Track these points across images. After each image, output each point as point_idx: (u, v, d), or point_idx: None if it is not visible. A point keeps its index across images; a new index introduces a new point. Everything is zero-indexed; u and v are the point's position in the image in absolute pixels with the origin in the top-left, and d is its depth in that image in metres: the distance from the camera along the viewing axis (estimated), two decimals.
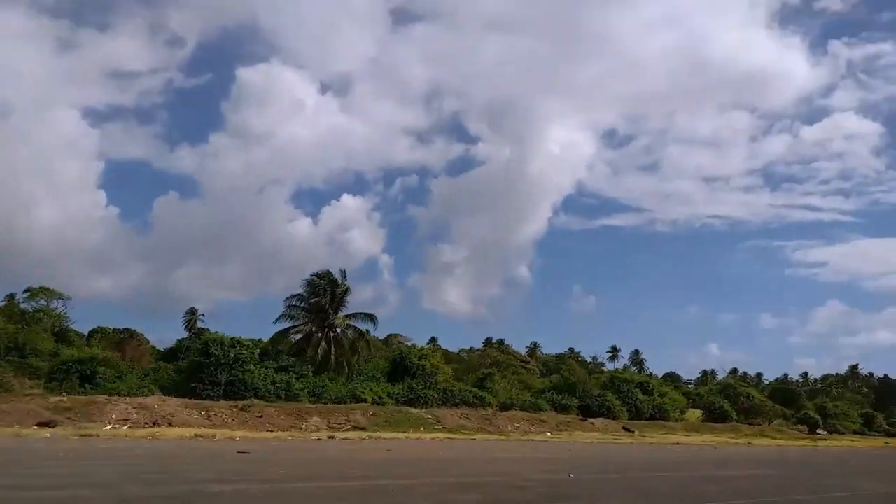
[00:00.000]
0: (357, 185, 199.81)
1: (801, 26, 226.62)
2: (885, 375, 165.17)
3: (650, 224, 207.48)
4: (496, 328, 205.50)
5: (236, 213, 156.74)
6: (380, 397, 42.39)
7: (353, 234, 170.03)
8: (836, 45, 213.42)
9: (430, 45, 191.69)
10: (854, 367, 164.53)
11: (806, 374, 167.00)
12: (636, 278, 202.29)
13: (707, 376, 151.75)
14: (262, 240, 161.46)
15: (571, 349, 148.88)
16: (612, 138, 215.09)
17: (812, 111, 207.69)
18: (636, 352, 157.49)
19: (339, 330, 48.07)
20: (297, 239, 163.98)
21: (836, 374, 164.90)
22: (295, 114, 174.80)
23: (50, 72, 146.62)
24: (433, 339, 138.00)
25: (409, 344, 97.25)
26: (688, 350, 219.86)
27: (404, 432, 32.25)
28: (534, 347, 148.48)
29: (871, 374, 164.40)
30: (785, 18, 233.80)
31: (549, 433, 38.02)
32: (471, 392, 47.87)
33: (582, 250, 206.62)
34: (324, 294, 47.09)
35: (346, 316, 48.72)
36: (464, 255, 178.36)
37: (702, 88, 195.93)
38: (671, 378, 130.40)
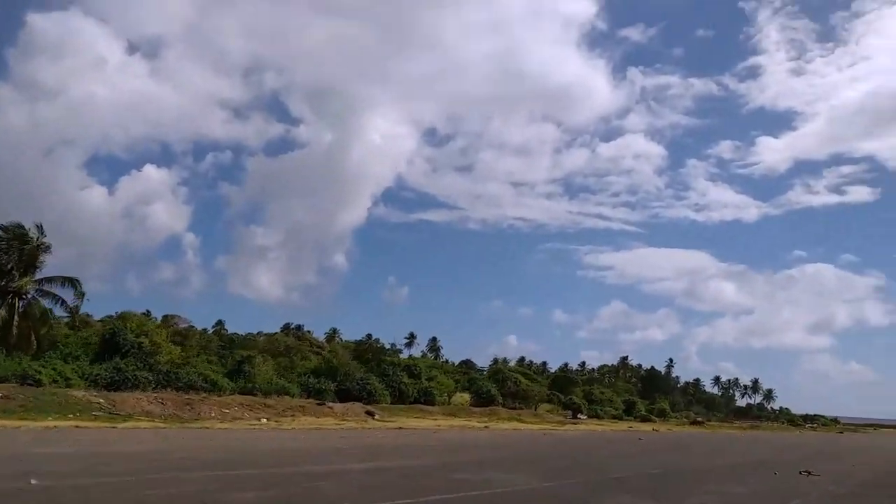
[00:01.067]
0: (163, 156, 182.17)
1: (606, 50, 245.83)
2: (652, 367, 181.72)
3: (463, 221, 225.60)
4: (307, 315, 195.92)
5: (18, 173, 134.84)
6: (67, 378, 34.34)
7: (154, 208, 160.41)
8: (633, 72, 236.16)
9: (253, 17, 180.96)
10: (624, 359, 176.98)
11: (583, 363, 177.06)
12: (448, 272, 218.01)
13: (498, 364, 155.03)
14: (46, 207, 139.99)
15: (369, 335, 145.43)
16: (432, 136, 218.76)
17: (609, 130, 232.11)
18: (434, 339, 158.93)
19: (28, 296, 38.75)
20: (88, 209, 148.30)
21: (610, 365, 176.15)
22: (94, 71, 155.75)
23: None
24: (220, 322, 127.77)
25: (186, 326, 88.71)
26: (490, 340, 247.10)
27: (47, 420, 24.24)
28: (333, 333, 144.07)
29: (639, 366, 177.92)
30: (593, 41, 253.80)
31: (265, 420, 32.53)
32: (200, 374, 41.25)
33: (398, 242, 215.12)
34: (7, 251, 37.55)
35: (38, 280, 39.37)
36: (278, 239, 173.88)
37: (517, 97, 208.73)
38: (466, 365, 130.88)
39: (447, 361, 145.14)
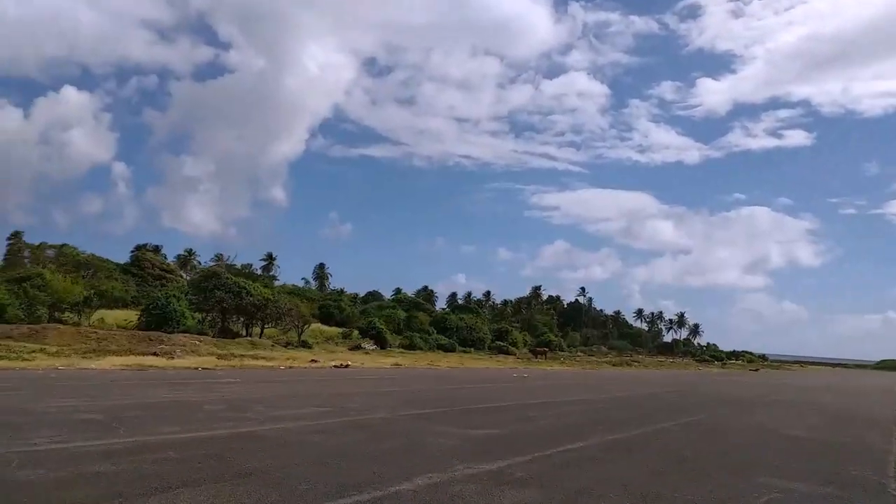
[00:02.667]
0: (83, 79, 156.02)
1: None
2: (576, 300, 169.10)
3: (408, 158, 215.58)
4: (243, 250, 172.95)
5: None
6: None
7: (74, 134, 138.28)
8: (575, 7, 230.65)
9: None
10: (537, 289, 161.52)
11: (488, 293, 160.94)
12: (392, 208, 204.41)
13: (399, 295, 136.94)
14: None
15: (219, 255, 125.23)
16: (371, 66, 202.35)
17: (552, 66, 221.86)
18: (321, 265, 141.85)
19: None
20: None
21: (521, 298, 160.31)
22: None
23: None
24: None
25: None
26: (439, 277, 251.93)
27: None
28: (189, 255, 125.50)
29: (558, 298, 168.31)
30: None
31: None
32: None
33: (341, 177, 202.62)
34: None
35: None
36: (209, 169, 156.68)
37: (457, 28, 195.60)
38: (372, 297, 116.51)
39: (342, 291, 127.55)
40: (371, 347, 48.28)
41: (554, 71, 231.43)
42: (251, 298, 41.62)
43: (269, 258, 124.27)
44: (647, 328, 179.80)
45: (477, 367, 36.03)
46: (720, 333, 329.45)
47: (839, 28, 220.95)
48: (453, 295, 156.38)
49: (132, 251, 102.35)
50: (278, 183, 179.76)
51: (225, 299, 40.60)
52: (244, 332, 42.68)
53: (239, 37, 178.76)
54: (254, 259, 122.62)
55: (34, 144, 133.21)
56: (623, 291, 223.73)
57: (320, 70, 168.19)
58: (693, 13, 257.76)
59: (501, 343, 73.03)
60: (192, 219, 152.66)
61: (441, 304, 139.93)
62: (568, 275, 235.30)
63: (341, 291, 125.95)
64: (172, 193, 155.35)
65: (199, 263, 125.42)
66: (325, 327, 59.20)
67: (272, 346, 37.99)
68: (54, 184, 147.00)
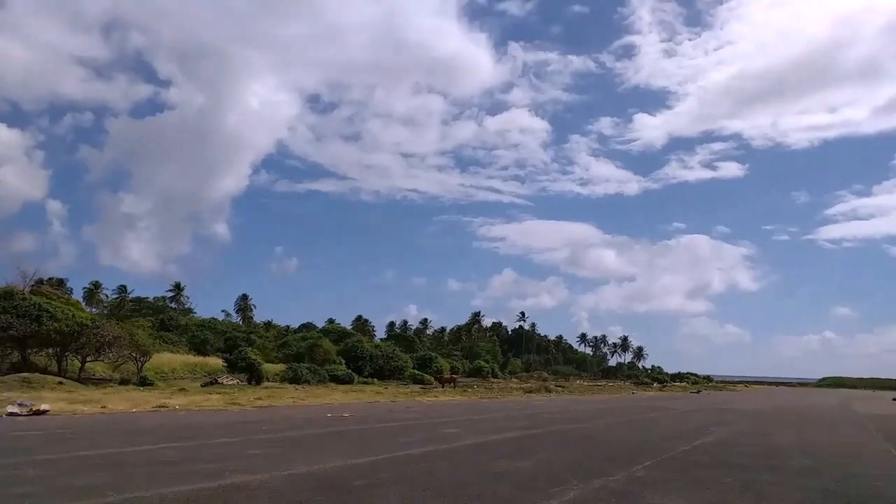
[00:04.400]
0: (14, 116, 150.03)
1: (486, 24, 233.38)
2: (520, 327, 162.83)
3: (355, 192, 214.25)
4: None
5: None
6: None
7: (5, 171, 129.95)
8: (514, 47, 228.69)
9: None
10: (476, 315, 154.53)
11: (425, 320, 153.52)
12: (339, 243, 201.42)
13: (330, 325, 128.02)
14: None
15: (123, 287, 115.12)
16: (315, 103, 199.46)
17: (494, 103, 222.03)
18: (244, 296, 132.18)
19: None
20: None
21: (460, 326, 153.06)
22: None
23: None
24: None
25: None
26: (389, 309, 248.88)
27: None
28: (94, 288, 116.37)
29: (499, 324, 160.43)
30: (473, 14, 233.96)
31: None
32: None
33: (287, 212, 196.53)
34: None
35: None
36: (147, 206, 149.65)
37: (399, 67, 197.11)
38: (305, 328, 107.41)
39: (269, 323, 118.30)
40: (231, 382, 39.43)
41: (497, 108, 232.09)
42: (55, 324, 32.42)
43: (177, 288, 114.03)
44: (591, 353, 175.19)
45: (329, 403, 27.55)
46: (666, 357, 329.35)
47: (766, 67, 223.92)
48: (391, 324, 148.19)
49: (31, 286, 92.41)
50: (221, 218, 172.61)
51: (14, 325, 31.22)
52: (57, 367, 33.54)
53: (179, 74, 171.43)
54: (161, 291, 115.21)
55: None
56: (572, 319, 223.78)
57: (262, 107, 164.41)
58: (628, 53, 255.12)
59: (418, 373, 64.82)
60: (130, 256, 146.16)
61: (381, 334, 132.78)
62: (517, 303, 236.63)
63: (268, 323, 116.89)
64: (110, 231, 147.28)
65: (107, 297, 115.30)
66: (196, 358, 50.22)
67: (89, 383, 28.79)
68: None
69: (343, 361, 63.45)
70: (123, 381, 35.55)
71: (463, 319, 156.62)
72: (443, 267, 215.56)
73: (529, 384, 55.35)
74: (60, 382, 28.49)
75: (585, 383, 78.63)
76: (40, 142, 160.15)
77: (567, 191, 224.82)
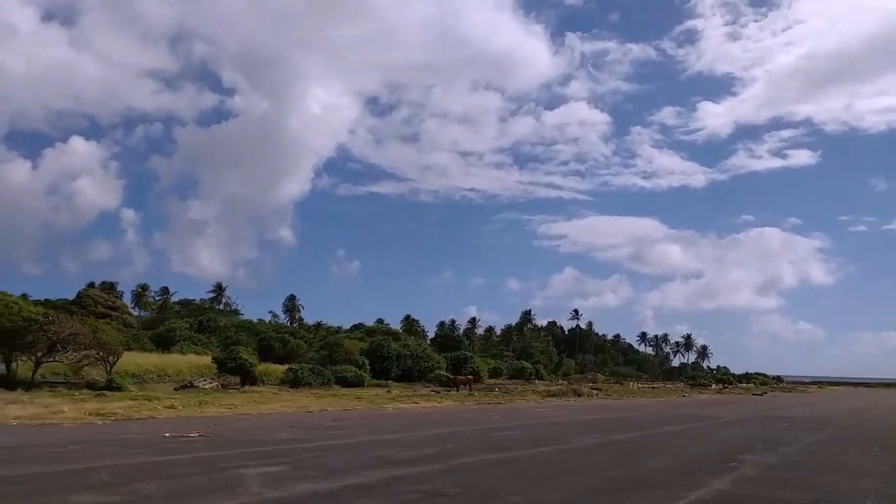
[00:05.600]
0: (91, 130, 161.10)
1: (542, 15, 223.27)
2: (577, 326, 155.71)
3: (414, 193, 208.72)
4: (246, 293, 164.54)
5: None
6: None
7: (82, 183, 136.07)
8: (572, 38, 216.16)
9: None
10: (527, 314, 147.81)
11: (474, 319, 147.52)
12: (400, 244, 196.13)
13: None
14: None
15: (165, 289, 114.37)
16: (374, 105, 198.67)
17: (552, 97, 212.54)
18: (291, 297, 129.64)
19: None
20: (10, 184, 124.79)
21: (512, 325, 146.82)
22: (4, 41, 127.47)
23: None
24: None
25: None
26: (449, 311, 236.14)
27: None
28: (142, 291, 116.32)
29: (553, 324, 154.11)
30: (528, 6, 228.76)
31: None
32: None
33: (347, 215, 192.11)
34: None
35: None
36: (214, 212, 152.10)
37: (456, 65, 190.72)
38: (356, 329, 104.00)
39: (318, 324, 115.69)
40: (208, 385, 34.78)
41: (554, 102, 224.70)
42: (4, 321, 27.93)
43: (219, 289, 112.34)
44: (653, 353, 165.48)
45: (267, 412, 22.18)
46: (734, 356, 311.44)
47: (838, 45, 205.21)
48: (441, 324, 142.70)
49: (80, 290, 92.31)
50: (285, 223, 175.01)
51: None
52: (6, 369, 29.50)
53: (243, 82, 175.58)
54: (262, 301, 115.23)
55: (42, 195, 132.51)
56: (636, 317, 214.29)
57: (324, 111, 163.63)
58: (690, 38, 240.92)
59: (445, 374, 59.05)
60: (199, 262, 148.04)
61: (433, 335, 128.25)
62: (579, 303, 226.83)
63: (318, 324, 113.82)
64: (180, 237, 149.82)
65: (154, 299, 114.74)
66: (185, 358, 46.26)
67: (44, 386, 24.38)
68: (63, 233, 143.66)
69: (366, 363, 58.52)
70: (90, 385, 31.40)
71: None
72: (502, 266, 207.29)
73: (558, 387, 48.75)
74: None
75: (640, 385, 71.15)
76: (115, 153, 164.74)
77: (630, 184, 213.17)
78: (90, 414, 17.56)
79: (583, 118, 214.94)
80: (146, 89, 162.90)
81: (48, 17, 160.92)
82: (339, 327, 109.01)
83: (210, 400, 24.83)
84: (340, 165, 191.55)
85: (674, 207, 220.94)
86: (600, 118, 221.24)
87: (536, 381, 71.80)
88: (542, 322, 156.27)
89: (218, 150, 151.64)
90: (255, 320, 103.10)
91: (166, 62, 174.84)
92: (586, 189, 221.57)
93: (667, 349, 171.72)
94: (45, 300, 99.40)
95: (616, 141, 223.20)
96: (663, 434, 18.18)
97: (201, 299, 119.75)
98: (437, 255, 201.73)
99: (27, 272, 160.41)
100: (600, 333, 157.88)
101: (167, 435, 13.53)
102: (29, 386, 29.47)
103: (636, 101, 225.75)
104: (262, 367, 46.06)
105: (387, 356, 61.20)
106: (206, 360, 47.73)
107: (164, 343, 67.97)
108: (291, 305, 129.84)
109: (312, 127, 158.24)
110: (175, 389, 33.52)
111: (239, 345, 73.23)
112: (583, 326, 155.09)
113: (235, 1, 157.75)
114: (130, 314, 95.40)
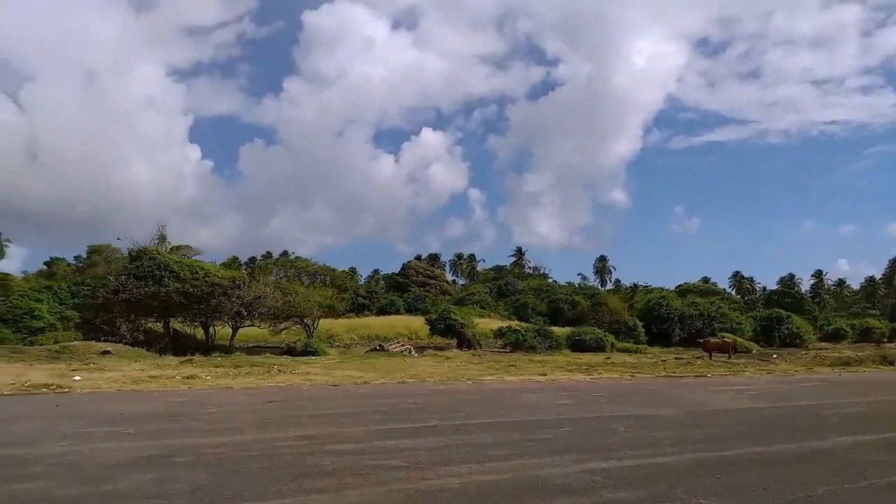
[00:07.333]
0: (437, 120, 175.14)
1: None
2: None
3: (760, 136, 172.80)
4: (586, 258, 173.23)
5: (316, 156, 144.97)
6: None
7: (434, 169, 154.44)
8: None
9: None
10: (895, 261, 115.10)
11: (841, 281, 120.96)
12: (746, 196, 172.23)
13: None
14: (346, 181, 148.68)
15: (472, 256, 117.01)
16: (704, 47, 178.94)
17: None
18: (601, 258, 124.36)
19: None
20: (380, 177, 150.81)
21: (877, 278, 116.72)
22: (366, 52, 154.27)
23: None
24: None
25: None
26: (811, 266, 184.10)
27: None
28: (458, 260, 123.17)
29: None
30: None
31: None
32: None
33: (682, 169, 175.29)
34: None
35: None
36: (549, 182, 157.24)
37: None
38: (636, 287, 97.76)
39: (635, 286, 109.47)
40: (398, 348, 30.88)
41: None
42: (177, 285, 28.41)
43: (519, 253, 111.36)
44: None
45: (361, 382, 17.14)
46: None
47: None
48: (781, 280, 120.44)
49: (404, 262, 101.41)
50: (618, 185, 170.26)
51: (128, 287, 27.97)
52: (204, 335, 30.02)
53: (566, 50, 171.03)
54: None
55: (404, 184, 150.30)
56: None
57: (648, 63, 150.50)
58: None
59: (729, 338, 46.82)
60: (539, 231, 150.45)
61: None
62: None
63: (634, 286, 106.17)
64: (519, 210, 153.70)
65: (477, 268, 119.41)
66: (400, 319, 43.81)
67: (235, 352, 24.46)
68: (423, 214, 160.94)
69: (638, 324, 50.14)
70: (289, 350, 30.87)
71: None
72: (880, 209, 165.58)
73: (889, 351, 33.34)
74: (106, 352, 24.39)
75: None
76: (458, 139, 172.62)
77: None
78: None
79: None
80: (480, 74, 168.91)
81: (396, 25, 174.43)
82: (662, 288, 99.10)
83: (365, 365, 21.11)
84: (672, 117, 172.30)
85: None
86: None
87: (886, 344, 53.76)
88: None
89: (547, 121, 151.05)
90: (564, 283, 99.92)
91: (495, 45, 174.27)
92: None
93: None
94: (375, 270, 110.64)
95: None
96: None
97: (511, 265, 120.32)
98: (794, 204, 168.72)
99: (400, 251, 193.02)
100: None
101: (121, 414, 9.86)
102: (228, 350, 29.72)
103: None
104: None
105: (666, 317, 51.79)
106: (398, 321, 45.46)
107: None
108: (602, 267, 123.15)
109: (638, 82, 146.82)
110: (367, 352, 31.13)
111: (528, 308, 70.51)
112: None
113: None
114: (447, 282, 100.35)
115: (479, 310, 68.71)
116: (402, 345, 31.99)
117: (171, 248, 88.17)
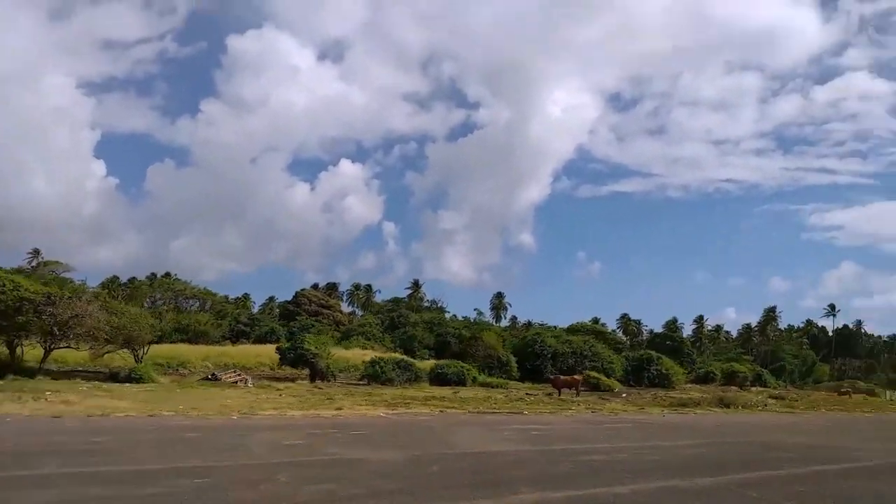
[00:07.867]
0: (357, 153, 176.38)
1: None
2: (844, 325, 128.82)
3: (661, 190, 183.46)
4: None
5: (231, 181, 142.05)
6: None
7: (350, 200, 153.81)
8: (847, 1, 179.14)
9: (422, 5, 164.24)
10: (770, 311, 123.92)
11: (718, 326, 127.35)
12: (645, 245, 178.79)
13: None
14: (259, 208, 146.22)
15: (368, 287, 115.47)
16: (616, 102, 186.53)
17: (823, 70, 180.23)
18: (498, 294, 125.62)
19: None
20: (294, 205, 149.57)
21: (752, 326, 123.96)
22: (290, 80, 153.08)
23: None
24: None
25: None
26: (700, 313, 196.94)
27: None
28: (355, 290, 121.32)
29: (810, 322, 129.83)
30: None
31: None
32: None
33: (588, 216, 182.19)
34: None
35: None
36: (463, 221, 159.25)
37: (707, 48, 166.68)
38: (573, 329, 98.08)
39: (525, 323, 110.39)
40: (232, 378, 28.47)
41: (826, 75, 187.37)
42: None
43: (415, 286, 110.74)
44: None
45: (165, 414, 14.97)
46: None
47: None
48: (668, 323, 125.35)
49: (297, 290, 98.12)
50: (526, 228, 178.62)
51: None
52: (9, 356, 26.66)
53: (487, 95, 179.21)
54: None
55: (319, 212, 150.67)
56: None
57: (564, 113, 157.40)
58: None
59: (595, 377, 46.84)
60: (450, 268, 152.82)
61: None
62: (862, 302, 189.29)
63: (528, 323, 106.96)
64: (432, 246, 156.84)
65: (374, 299, 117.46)
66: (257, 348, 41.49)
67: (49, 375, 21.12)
68: (337, 245, 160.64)
69: (511, 359, 49.79)
70: (113, 376, 27.78)
71: (792, 320, 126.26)
72: (765, 264, 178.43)
73: (728, 394, 33.96)
74: None
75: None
76: (376, 172, 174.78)
77: None
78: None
79: (863, 90, 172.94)
80: (403, 111, 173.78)
81: (322, 56, 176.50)
82: (555, 326, 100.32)
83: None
84: (581, 167, 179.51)
85: None
86: (885, 88, 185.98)
87: (749, 389, 55.73)
88: (795, 322, 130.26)
89: (465, 162, 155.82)
90: (460, 317, 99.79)
91: (419, 84, 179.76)
92: (869, 171, 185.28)
93: None
94: (270, 298, 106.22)
95: None
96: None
97: (407, 297, 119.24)
98: (689, 254, 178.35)
99: (308, 280, 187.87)
100: (875, 334, 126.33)
101: None
102: (32, 374, 26.37)
103: None
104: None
105: (540, 353, 51.60)
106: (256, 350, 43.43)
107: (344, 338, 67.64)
108: (498, 303, 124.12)
109: (553, 130, 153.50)
110: (199, 381, 28.55)
111: (415, 341, 68.94)
112: (850, 326, 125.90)
113: (480, 16, 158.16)
114: (341, 312, 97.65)
115: (363, 341, 66.76)
116: (239, 374, 29.58)
117: (40, 264, 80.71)
